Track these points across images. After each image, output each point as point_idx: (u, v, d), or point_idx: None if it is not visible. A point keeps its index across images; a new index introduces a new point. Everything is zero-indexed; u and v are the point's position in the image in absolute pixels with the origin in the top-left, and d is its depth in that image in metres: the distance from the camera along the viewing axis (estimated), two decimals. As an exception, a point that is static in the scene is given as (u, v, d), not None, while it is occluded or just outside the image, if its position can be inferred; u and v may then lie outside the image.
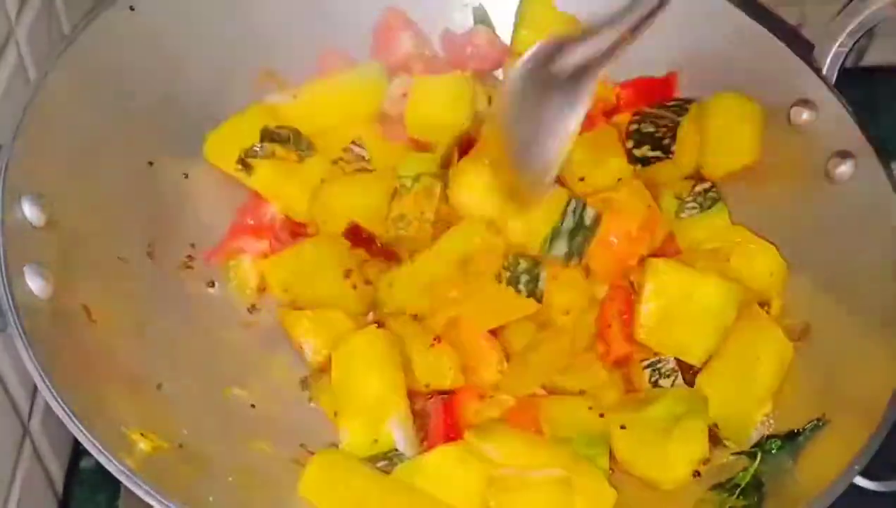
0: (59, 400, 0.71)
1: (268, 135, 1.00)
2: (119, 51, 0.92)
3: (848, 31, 0.94)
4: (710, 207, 0.97)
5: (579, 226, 0.91)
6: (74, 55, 0.87)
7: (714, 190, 0.98)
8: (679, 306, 0.89)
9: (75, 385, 0.74)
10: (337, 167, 1.01)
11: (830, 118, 0.93)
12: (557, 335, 0.92)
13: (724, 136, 1.00)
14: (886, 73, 1.32)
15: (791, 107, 0.96)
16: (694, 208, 0.97)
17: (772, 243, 0.95)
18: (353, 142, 1.02)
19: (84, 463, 1.00)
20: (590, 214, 0.92)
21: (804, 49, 0.97)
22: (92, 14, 0.90)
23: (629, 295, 0.93)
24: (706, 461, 0.85)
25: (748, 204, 0.99)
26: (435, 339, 0.90)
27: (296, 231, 1.01)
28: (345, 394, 0.87)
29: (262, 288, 0.98)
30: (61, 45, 0.88)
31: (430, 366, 0.90)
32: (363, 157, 1.02)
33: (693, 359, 0.90)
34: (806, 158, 0.95)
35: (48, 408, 0.71)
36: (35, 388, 0.88)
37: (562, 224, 0.91)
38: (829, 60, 0.95)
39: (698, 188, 0.98)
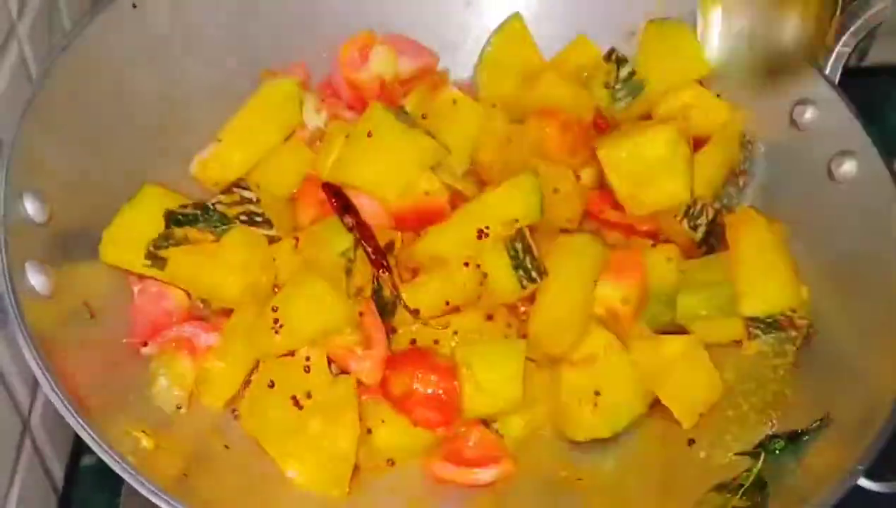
0: (60, 395, 0.71)
1: (173, 219, 0.88)
2: (121, 47, 0.92)
3: (851, 30, 0.94)
4: (640, 92, 1.04)
5: (519, 257, 0.91)
6: (76, 52, 0.87)
7: (633, 72, 1.04)
8: (639, 169, 0.96)
9: (76, 381, 0.74)
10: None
11: (833, 117, 0.93)
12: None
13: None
14: (888, 73, 1.32)
15: (794, 106, 0.96)
16: (627, 96, 1.04)
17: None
18: (239, 184, 0.92)
19: (85, 461, 0.99)
20: (519, 246, 0.91)
21: (807, 48, 0.97)
22: (93, 11, 0.90)
23: None
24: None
25: (750, 202, 1.00)
26: None
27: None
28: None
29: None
30: (63, 42, 0.88)
31: None
32: (251, 200, 0.92)
33: (683, 198, 0.95)
34: (808, 157, 0.95)
35: (49, 405, 0.71)
36: (36, 385, 0.88)
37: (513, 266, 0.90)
38: (832, 60, 0.95)
39: (622, 73, 1.04)
